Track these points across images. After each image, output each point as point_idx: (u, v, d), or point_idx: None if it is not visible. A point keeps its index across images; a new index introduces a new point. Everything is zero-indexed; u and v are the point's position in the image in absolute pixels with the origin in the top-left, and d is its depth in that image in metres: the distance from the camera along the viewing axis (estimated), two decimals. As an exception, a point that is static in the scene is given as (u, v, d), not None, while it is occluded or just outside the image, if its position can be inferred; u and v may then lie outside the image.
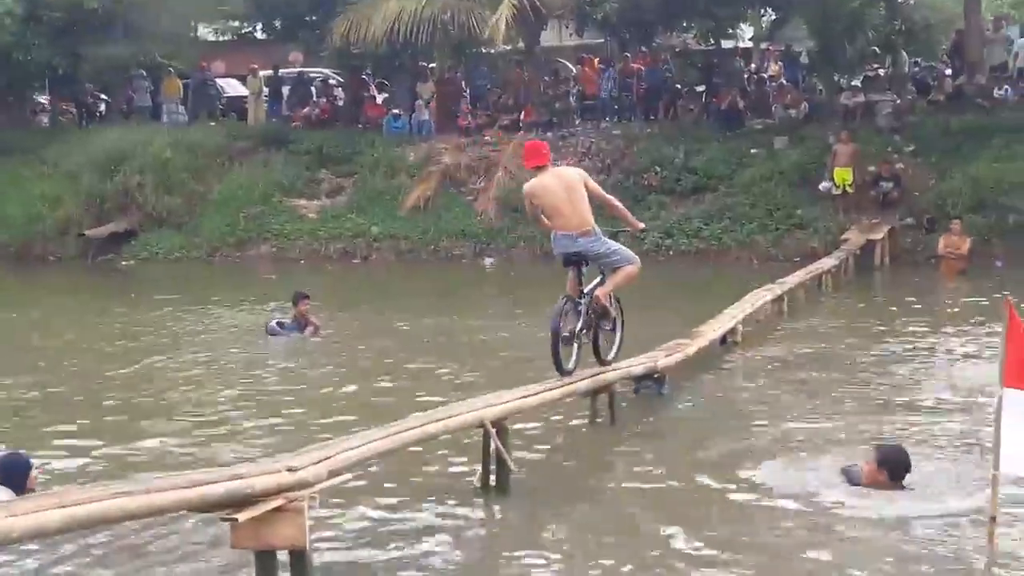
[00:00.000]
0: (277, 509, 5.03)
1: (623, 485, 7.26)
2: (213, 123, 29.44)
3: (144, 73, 29.95)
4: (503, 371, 11.09)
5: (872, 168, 22.31)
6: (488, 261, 23.86)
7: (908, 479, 6.82)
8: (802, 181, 23.06)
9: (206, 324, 15.57)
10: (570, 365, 8.56)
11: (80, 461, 8.15)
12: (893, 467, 6.87)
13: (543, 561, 5.82)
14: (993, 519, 5.11)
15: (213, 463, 7.60)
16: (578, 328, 8.68)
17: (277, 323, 13.95)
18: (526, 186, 9.08)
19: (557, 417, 9.22)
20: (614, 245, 9.26)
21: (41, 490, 5.51)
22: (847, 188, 22.13)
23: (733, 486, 6.96)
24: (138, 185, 26.51)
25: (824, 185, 22.54)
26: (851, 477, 6.90)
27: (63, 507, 4.12)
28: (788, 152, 23.96)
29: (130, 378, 11.67)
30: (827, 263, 18.25)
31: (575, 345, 8.65)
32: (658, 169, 24.29)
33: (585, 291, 8.94)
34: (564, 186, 9.01)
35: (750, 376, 10.97)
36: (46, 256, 26.10)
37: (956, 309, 15.90)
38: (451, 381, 10.96)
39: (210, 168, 27.30)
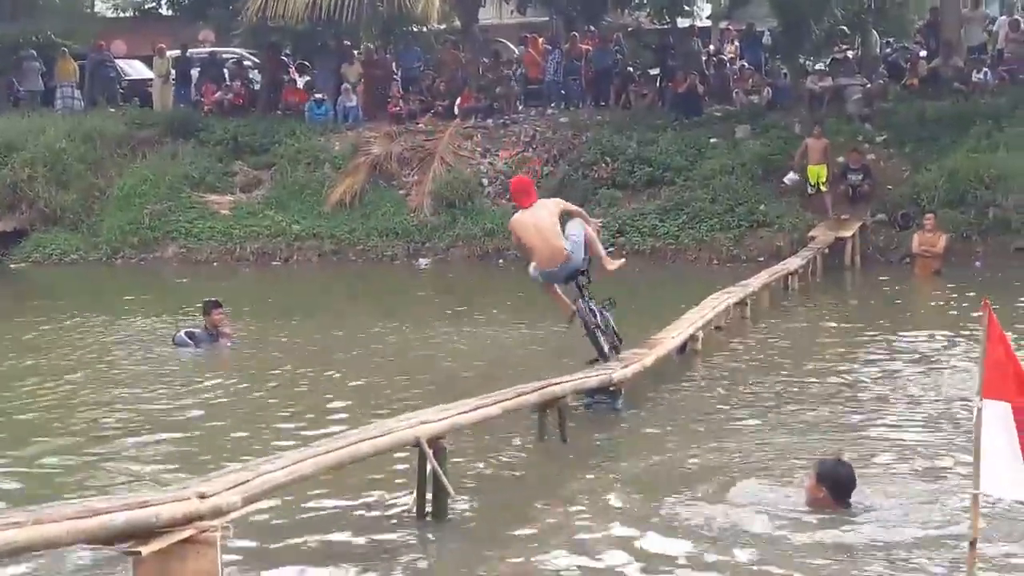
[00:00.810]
0: (186, 541, 4.93)
1: (573, 509, 7.23)
2: (113, 109, 29.07)
3: (35, 53, 29.49)
4: (442, 385, 11.03)
5: (841, 159, 22.59)
6: (423, 262, 23.81)
7: (864, 500, 6.85)
8: (766, 174, 23.31)
9: (106, 334, 15.32)
10: (607, 349, 10.54)
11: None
12: (834, 484, 6.76)
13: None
14: (973, 544, 5.14)
15: (110, 489, 7.47)
16: (599, 320, 10.62)
17: (186, 333, 13.78)
18: (511, 220, 10.53)
19: (502, 434, 9.18)
20: (578, 240, 10.65)
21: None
22: (821, 186, 22.27)
23: (689, 510, 6.94)
24: (28, 179, 26.06)
25: (790, 178, 22.80)
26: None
27: (-61, 541, 4.01)
28: (750, 142, 24.21)
29: (15, 393, 11.43)
30: (793, 263, 18.44)
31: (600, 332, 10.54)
32: (609, 160, 24.41)
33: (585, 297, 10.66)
34: (533, 223, 10.33)
35: (711, 388, 11.03)
36: (-77, 258, 25.55)
37: (931, 313, 16.15)
38: (384, 396, 10.88)
39: (110, 160, 26.94)
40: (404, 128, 26.73)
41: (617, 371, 10.06)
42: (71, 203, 25.93)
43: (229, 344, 13.70)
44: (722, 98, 26.44)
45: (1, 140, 26.64)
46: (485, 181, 25.20)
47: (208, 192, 26.11)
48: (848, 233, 21.07)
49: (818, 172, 22.25)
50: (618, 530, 6.69)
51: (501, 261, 23.33)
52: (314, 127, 27.06)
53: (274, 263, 24.32)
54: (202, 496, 5.06)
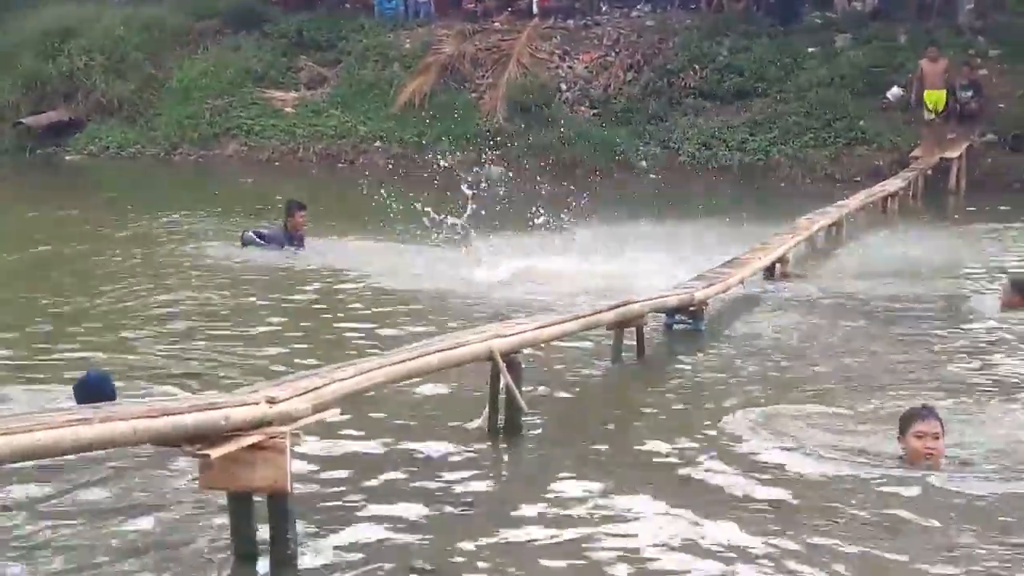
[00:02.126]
0: (254, 447, 5.02)
1: (648, 433, 7.25)
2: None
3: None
4: (519, 304, 11.06)
5: (948, 73, 22.09)
6: (494, 170, 23.74)
7: None
8: (867, 87, 22.86)
9: (169, 232, 15.53)
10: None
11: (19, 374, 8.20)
12: None
13: (553, 513, 5.85)
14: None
15: (173, 391, 7.63)
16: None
17: (256, 232, 13.72)
18: None
19: (578, 351, 9.22)
20: None
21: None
22: (939, 114, 21.69)
23: (770, 443, 6.91)
24: (85, 68, 26.37)
25: (893, 93, 22.37)
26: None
27: (8, 434, 4.11)
28: (851, 53, 23.74)
29: (79, 288, 11.68)
30: (893, 185, 18.18)
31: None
32: (697, 68, 24.12)
33: None
34: None
35: (802, 313, 10.93)
36: (-23, 148, 26.03)
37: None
38: (462, 313, 10.91)
39: (170, 50, 27.15)
40: (479, 26, 26.57)
41: (699, 290, 10.03)
42: (128, 94, 26.21)
43: (296, 251, 13.61)
44: (822, 4, 25.91)
45: (57, 26, 26.89)
46: (563, 86, 25.01)
47: (271, 88, 26.23)
48: (954, 154, 20.68)
49: (936, 98, 21.64)
50: (688, 455, 6.70)
51: (578, 172, 23.21)
52: (383, 22, 27.00)
53: (339, 165, 24.43)
54: (271, 401, 5.13)
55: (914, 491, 6.09)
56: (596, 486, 6.25)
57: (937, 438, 6.32)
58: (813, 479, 6.33)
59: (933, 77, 21.67)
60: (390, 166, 24.14)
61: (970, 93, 21.80)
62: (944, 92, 21.59)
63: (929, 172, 20.19)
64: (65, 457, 5.04)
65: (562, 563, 5.28)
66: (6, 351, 9.15)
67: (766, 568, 5.25)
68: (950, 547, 5.46)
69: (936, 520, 5.74)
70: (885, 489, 6.12)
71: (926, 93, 21.69)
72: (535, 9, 26.95)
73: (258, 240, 13.57)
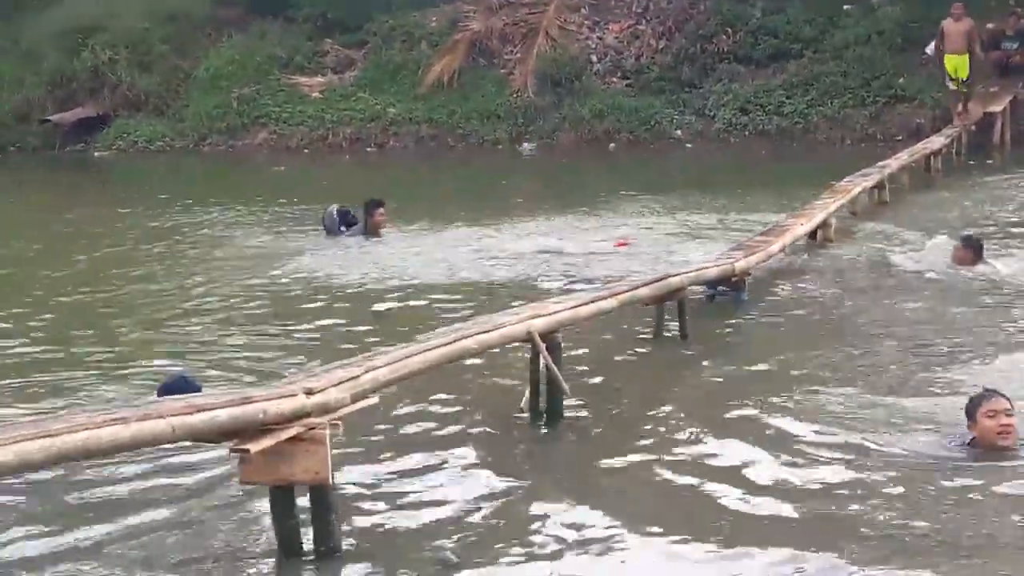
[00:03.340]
0: (294, 439, 5.08)
1: (687, 413, 7.24)
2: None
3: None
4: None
5: (991, 25, 21.79)
6: (527, 147, 23.74)
7: None
8: (905, 43, 22.62)
9: (214, 223, 15.68)
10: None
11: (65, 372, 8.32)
12: None
13: (599, 497, 5.87)
14: None
15: (216, 382, 7.71)
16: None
17: (340, 212, 13.42)
18: None
19: (619, 329, 9.22)
20: None
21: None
22: (961, 83, 19.93)
23: (819, 426, 6.82)
24: (110, 62, 26.51)
25: (932, 48, 22.04)
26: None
27: (48, 436, 4.18)
28: (888, 8, 23.48)
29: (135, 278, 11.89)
30: (936, 142, 18.04)
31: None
32: (730, 32, 23.96)
33: None
34: None
35: (848, 282, 10.84)
36: (6, 146, 26.27)
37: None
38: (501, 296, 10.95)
39: (195, 41, 27.26)
40: (505, 1, 26.46)
41: (740, 260, 9.99)
42: (155, 87, 26.37)
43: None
44: (857, -41, 25.63)
45: (80, 21, 27.04)
46: (594, 58, 24.93)
47: (298, 74, 26.32)
48: (998, 108, 20.46)
49: (956, 64, 19.90)
50: (733, 439, 6.64)
51: (612, 145, 23.17)
52: (409, 1, 26.95)
53: (368, 149, 24.51)
54: (309, 392, 5.18)
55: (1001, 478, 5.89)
56: (637, 476, 6.25)
57: (1010, 415, 6.13)
58: (876, 472, 6.08)
59: (954, 38, 19.81)
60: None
61: (1016, 44, 21.50)
62: (966, 57, 19.80)
63: (972, 127, 19.97)
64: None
65: (596, 552, 5.28)
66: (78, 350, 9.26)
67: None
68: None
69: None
70: (966, 482, 5.90)
71: (945, 58, 20.03)
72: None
73: (338, 224, 13.38)
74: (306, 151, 24.70)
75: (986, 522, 5.43)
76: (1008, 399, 6.21)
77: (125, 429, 4.51)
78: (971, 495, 5.74)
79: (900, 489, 5.81)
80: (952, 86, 20.11)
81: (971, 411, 6.21)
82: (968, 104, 20.22)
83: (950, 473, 5.99)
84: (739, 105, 22.90)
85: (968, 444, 6.24)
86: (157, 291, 11.77)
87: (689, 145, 22.88)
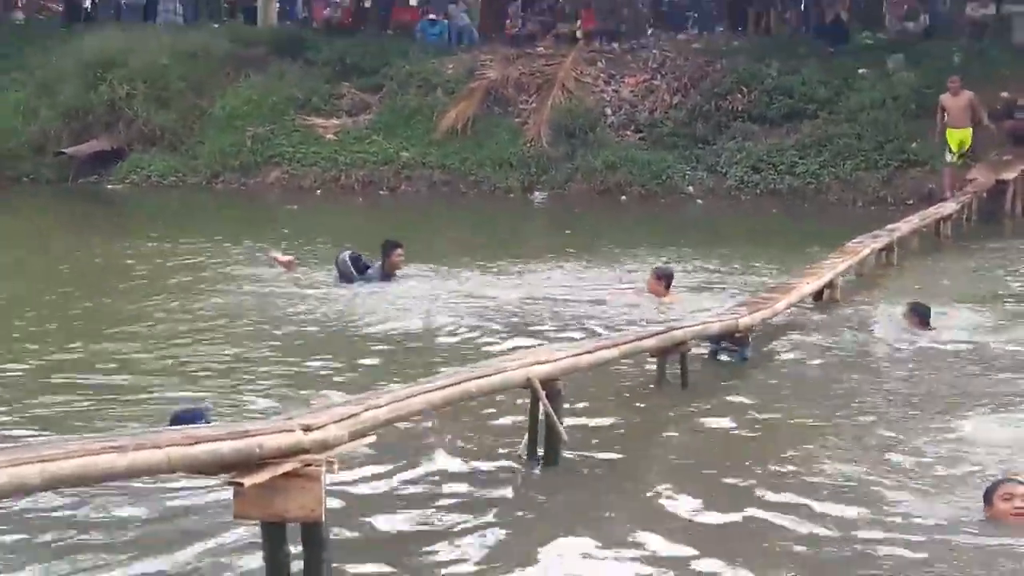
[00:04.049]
0: (289, 474, 5.07)
1: (689, 471, 7.24)
2: (217, 25, 29.57)
3: (136, -35, 30.12)
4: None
5: (1006, 94, 21.94)
6: (539, 196, 23.84)
7: None
8: (919, 109, 22.74)
9: (225, 261, 15.77)
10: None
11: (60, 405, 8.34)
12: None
13: (596, 544, 5.86)
14: None
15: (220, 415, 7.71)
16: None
17: (352, 258, 13.28)
18: None
19: (620, 380, 9.23)
20: None
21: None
22: (963, 156, 19.75)
23: (818, 479, 6.84)
24: (128, 97, 26.71)
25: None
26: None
27: (44, 461, 4.20)
28: (903, 74, 23.65)
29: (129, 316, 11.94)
30: (947, 208, 18.08)
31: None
32: (745, 91, 24.11)
33: None
34: None
35: (851, 343, 10.84)
36: (19, 177, 26.41)
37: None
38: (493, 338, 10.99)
39: (213, 79, 27.47)
40: (522, 51, 26.70)
41: (744, 317, 10.00)
42: (171, 123, 26.53)
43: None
44: (873, 24, 25.88)
45: (101, 55, 27.25)
46: (608, 111, 25.09)
47: (313, 115, 26.48)
48: (1011, 176, 20.52)
49: (962, 137, 19.68)
50: (725, 499, 6.63)
51: (624, 198, 23.25)
52: (426, 48, 27.22)
53: (381, 192, 24.62)
54: (307, 428, 5.19)
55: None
56: (635, 517, 6.26)
57: None
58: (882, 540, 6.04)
59: (956, 113, 19.65)
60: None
61: (1027, 114, 21.65)
62: (970, 130, 19.65)
63: (984, 195, 20.03)
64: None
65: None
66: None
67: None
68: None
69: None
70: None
71: (948, 132, 19.69)
72: (579, 33, 27.06)
73: (352, 270, 13.24)
74: (319, 192, 24.82)
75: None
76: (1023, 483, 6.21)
77: (121, 458, 4.52)
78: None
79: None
80: (952, 159, 19.92)
81: (988, 496, 6.23)
82: (964, 177, 20.00)
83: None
84: (751, 163, 23.00)
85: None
86: (168, 320, 11.86)
87: (700, 201, 22.96)
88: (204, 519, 6.13)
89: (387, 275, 13.40)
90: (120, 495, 6.34)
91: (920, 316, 11.14)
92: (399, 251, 13.48)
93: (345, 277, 13.37)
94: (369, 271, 13.40)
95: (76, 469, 4.34)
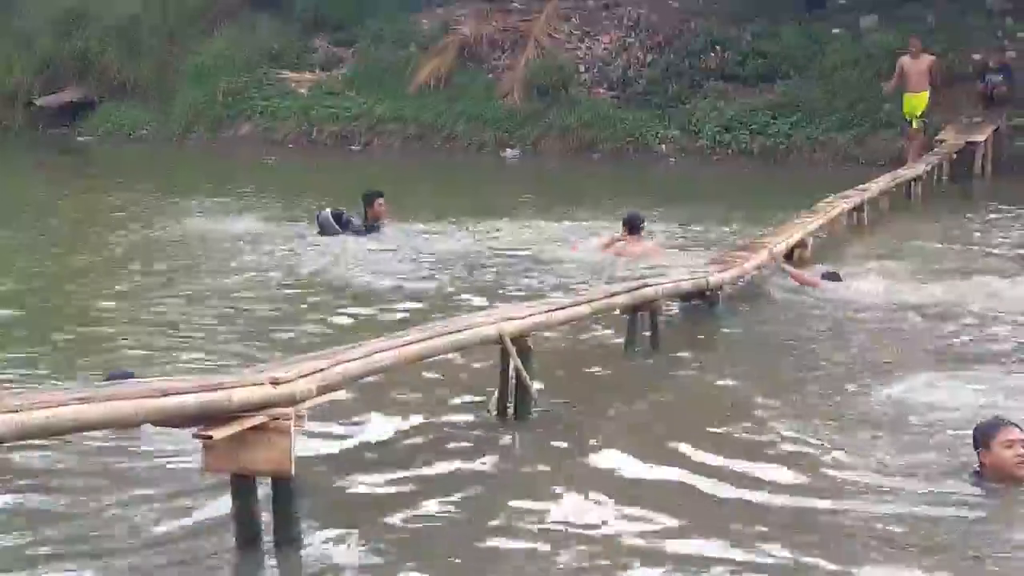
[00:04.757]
0: (258, 428, 5.06)
1: (656, 425, 7.28)
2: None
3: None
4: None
5: (978, 56, 21.97)
6: (511, 153, 23.78)
7: None
8: (892, 70, 22.67)
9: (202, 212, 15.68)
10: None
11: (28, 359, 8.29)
12: None
13: (562, 501, 5.89)
14: None
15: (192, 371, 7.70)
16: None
17: (334, 214, 13.28)
18: None
19: (590, 337, 9.25)
20: None
21: None
22: (915, 123, 19.21)
23: (786, 438, 6.85)
24: (100, 49, 26.41)
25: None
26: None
27: (10, 412, 4.17)
28: (877, 34, 23.60)
29: (101, 267, 11.89)
30: (917, 168, 18.09)
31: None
32: (719, 50, 24.01)
33: None
34: None
35: (819, 302, 10.87)
36: (-10, 128, 26.18)
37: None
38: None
39: (185, 31, 27.17)
40: (497, 7, 26.51)
41: (714, 274, 10.02)
42: (143, 76, 26.31)
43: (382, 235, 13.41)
44: (848, -15, 25.78)
45: (73, 6, 26.96)
46: (582, 68, 24.98)
47: (286, 69, 26.27)
48: (980, 138, 20.56)
49: (915, 102, 19.30)
50: (696, 447, 6.66)
51: (596, 155, 23.21)
52: (401, 3, 26.96)
53: (353, 147, 24.49)
54: (276, 382, 5.18)
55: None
56: (603, 475, 6.29)
57: None
58: (868, 499, 5.98)
59: (914, 77, 19.27)
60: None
61: (1000, 77, 21.64)
62: (926, 94, 19.23)
63: (954, 156, 20.08)
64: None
65: (563, 552, 5.31)
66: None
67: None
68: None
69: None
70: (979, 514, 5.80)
71: (904, 97, 19.38)
72: (554, -11, 26.90)
73: (334, 224, 13.26)
74: (290, 146, 24.67)
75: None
76: (1019, 427, 6.06)
77: (90, 409, 4.50)
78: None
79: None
80: (916, 125, 19.58)
81: (984, 440, 6.00)
82: (920, 145, 19.63)
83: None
84: (724, 123, 22.98)
85: (975, 475, 6.05)
86: (136, 273, 11.81)
87: (672, 160, 22.94)
88: (173, 472, 6.13)
89: (370, 226, 13.39)
90: (89, 446, 6.33)
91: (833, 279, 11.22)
92: (380, 201, 13.54)
93: (327, 234, 13.34)
94: (352, 224, 13.37)
95: (44, 420, 4.33)
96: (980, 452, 6.04)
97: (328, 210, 13.50)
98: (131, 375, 6.31)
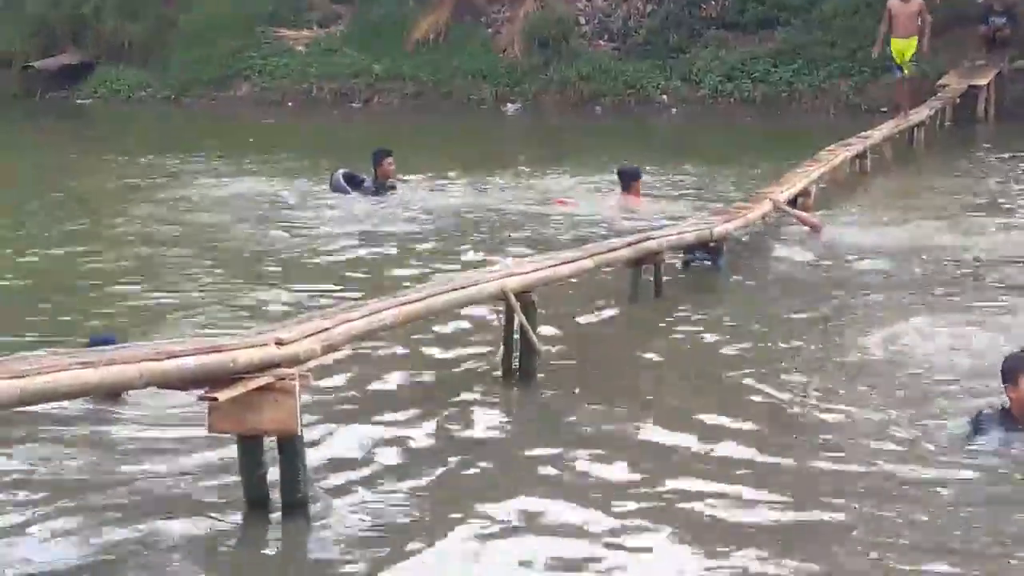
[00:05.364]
0: (263, 388, 5.06)
1: (662, 379, 7.27)
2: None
3: None
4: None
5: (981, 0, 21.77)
6: (511, 107, 23.65)
7: None
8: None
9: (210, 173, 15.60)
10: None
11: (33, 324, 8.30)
12: None
13: (571, 456, 5.89)
14: None
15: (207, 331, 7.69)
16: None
17: (345, 176, 13.34)
18: None
19: (595, 290, 9.23)
20: None
21: None
22: (906, 70, 18.09)
23: (789, 394, 6.84)
24: (95, 9, 26.23)
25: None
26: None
27: (15, 377, 4.16)
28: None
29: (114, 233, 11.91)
30: (920, 114, 17.99)
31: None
32: (718, -2, 23.83)
33: None
34: None
35: (827, 249, 10.83)
36: (-14, 92, 26.06)
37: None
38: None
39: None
40: (495, -42, 26.26)
41: (718, 226, 9.97)
42: (139, 36, 26.13)
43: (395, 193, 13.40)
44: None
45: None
46: (582, 20, 24.79)
47: (284, 27, 26.09)
48: (983, 81, 20.43)
49: (903, 47, 18.12)
50: (699, 404, 6.66)
51: (598, 108, 23.09)
52: (398, -43, 26.71)
53: (353, 104, 24.37)
54: (280, 343, 5.17)
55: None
56: (607, 432, 6.28)
57: None
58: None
59: (903, 20, 17.95)
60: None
61: (1004, 20, 21.44)
62: (914, 40, 17.98)
63: (957, 101, 19.96)
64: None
65: (569, 509, 5.31)
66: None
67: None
68: None
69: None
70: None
71: (892, 42, 18.04)
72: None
73: (345, 186, 13.30)
74: (290, 104, 24.56)
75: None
76: None
77: (94, 373, 4.50)
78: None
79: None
80: (899, 74, 18.30)
81: (1013, 376, 5.77)
82: (910, 90, 18.55)
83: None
84: (725, 72, 22.83)
85: (1003, 413, 5.86)
86: (139, 235, 11.84)
87: (674, 110, 22.81)
88: (180, 432, 6.13)
89: (380, 185, 13.42)
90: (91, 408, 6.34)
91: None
92: (389, 159, 13.54)
93: (340, 193, 13.41)
94: (363, 184, 13.42)
95: (47, 384, 4.32)
96: (1007, 387, 5.81)
97: (341, 171, 13.56)
98: (112, 340, 6.27)
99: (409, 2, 25.64)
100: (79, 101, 25.64)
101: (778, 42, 23.07)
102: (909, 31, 17.99)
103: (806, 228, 11.31)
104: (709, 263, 10.02)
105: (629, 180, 12.67)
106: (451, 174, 15.27)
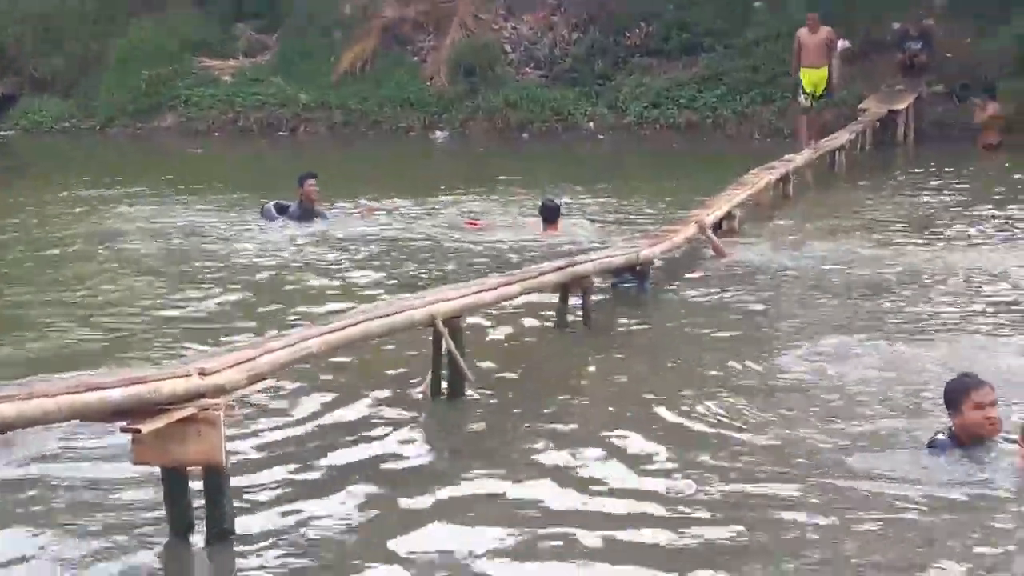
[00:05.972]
0: (187, 420, 5.00)
1: (590, 402, 7.28)
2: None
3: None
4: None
5: (897, 25, 22.19)
6: (439, 135, 23.69)
7: None
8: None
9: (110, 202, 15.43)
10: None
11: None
12: None
13: (498, 482, 5.87)
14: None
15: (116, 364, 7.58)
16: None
17: (276, 206, 13.65)
18: None
19: (522, 316, 9.23)
20: None
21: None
22: (816, 100, 18.44)
23: (720, 413, 6.85)
24: (16, 41, 25.92)
25: (841, 44, 22.19)
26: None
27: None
28: (801, 5, 23.69)
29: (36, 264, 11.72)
30: (840, 138, 18.27)
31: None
32: (643, 25, 24.05)
33: None
34: None
35: (747, 273, 10.94)
36: (-94, 127, 25.63)
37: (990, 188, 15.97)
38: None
39: (106, 21, 26.72)
40: (420, -12, 26.32)
41: (645, 249, 10.04)
42: (63, 68, 25.85)
43: (322, 219, 13.59)
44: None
45: (-15, -1, 26.42)
46: (508, 48, 24.91)
47: (209, 57, 25.94)
48: (902, 105, 20.82)
49: (816, 79, 18.35)
50: (623, 427, 6.66)
51: (525, 135, 23.19)
52: (323, -13, 26.70)
53: (280, 133, 24.27)
54: (203, 373, 5.11)
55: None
56: (537, 455, 6.28)
57: (994, 405, 5.73)
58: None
59: (811, 51, 18.25)
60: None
61: (919, 44, 21.86)
62: (825, 70, 18.27)
63: (877, 124, 20.31)
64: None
65: (499, 532, 5.29)
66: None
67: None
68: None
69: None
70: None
71: (802, 72, 18.42)
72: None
73: (274, 213, 13.58)
74: (216, 134, 24.39)
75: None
76: (992, 386, 5.80)
77: (10, 407, 4.41)
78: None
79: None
80: (805, 103, 18.68)
81: (955, 401, 5.77)
82: (821, 123, 18.82)
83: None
84: (651, 98, 23.05)
85: (949, 438, 5.80)
86: (70, 265, 11.71)
87: (601, 137, 22.98)
88: (105, 464, 6.03)
89: (306, 208, 13.56)
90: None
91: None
92: (311, 181, 13.66)
93: (269, 218, 13.67)
94: (289, 210, 13.60)
95: (-37, 421, 4.23)
96: (951, 413, 5.81)
97: (272, 203, 13.80)
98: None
99: (335, 32, 25.60)
100: (1, 133, 25.27)
101: (702, 68, 23.34)
102: (819, 60, 18.33)
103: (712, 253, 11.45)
104: (636, 286, 10.09)
105: (552, 217, 12.68)
106: (378, 203, 15.23)
